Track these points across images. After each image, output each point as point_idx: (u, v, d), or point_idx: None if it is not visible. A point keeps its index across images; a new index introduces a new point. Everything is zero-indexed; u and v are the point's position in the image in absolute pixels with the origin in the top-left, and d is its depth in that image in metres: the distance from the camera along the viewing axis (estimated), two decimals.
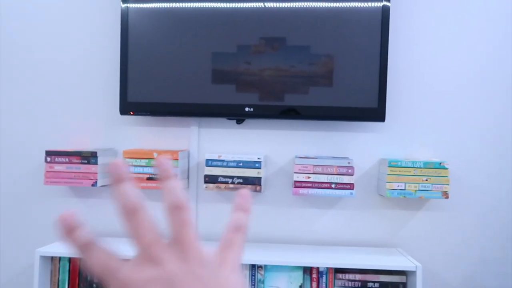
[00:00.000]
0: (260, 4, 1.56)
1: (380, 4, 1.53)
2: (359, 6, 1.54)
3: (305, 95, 1.55)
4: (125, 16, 1.59)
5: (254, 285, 1.45)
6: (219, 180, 1.54)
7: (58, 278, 1.51)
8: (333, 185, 1.51)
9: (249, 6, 1.57)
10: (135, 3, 1.59)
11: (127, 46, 1.60)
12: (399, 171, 1.51)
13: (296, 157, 1.55)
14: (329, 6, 1.55)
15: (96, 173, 1.57)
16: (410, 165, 1.51)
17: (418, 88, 1.63)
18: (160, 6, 1.59)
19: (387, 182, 1.51)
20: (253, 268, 1.46)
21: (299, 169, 1.52)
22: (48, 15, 1.72)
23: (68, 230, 0.26)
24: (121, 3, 1.59)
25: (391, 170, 1.51)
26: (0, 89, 1.74)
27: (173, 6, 1.58)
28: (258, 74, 1.57)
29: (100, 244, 0.26)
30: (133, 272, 0.25)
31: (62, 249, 1.47)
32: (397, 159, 1.56)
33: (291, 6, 1.56)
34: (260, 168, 1.53)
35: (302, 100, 1.56)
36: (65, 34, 1.72)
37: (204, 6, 1.57)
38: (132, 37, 1.60)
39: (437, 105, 1.63)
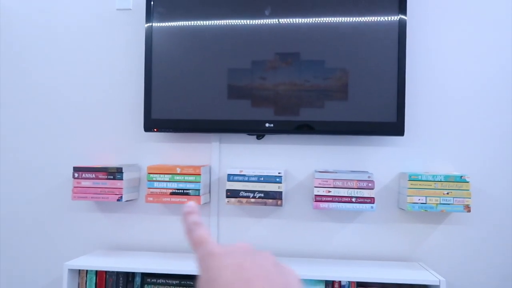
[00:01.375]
0: (274, 21, 1.61)
1: (396, 18, 1.56)
2: (374, 20, 1.57)
3: (321, 109, 1.58)
4: (149, 35, 1.66)
5: None
6: (240, 194, 1.57)
7: None
8: (353, 199, 1.52)
9: (264, 22, 1.61)
10: (157, 22, 1.66)
11: (151, 65, 1.66)
12: (420, 184, 1.51)
13: (316, 171, 1.57)
14: (343, 21, 1.58)
15: (122, 188, 1.62)
16: (430, 178, 1.51)
17: (437, 101, 1.64)
18: (180, 24, 1.65)
19: (407, 195, 1.51)
20: None
21: (319, 183, 1.54)
22: (74, 35, 1.81)
23: (187, 213, 0.37)
24: (145, 22, 1.66)
25: (411, 184, 1.52)
26: (30, 108, 1.82)
27: (192, 24, 1.65)
28: (273, 89, 1.60)
29: (202, 226, 0.36)
30: (218, 246, 0.34)
31: (89, 262, 1.52)
32: (417, 172, 1.56)
33: (305, 21, 1.60)
34: (280, 183, 1.56)
35: (317, 114, 1.58)
36: (92, 54, 1.80)
37: (221, 23, 1.63)
38: (156, 55, 1.66)
39: (457, 117, 1.64)
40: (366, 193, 1.52)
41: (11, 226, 1.82)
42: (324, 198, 1.53)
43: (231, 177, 1.58)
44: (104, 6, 1.80)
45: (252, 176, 1.57)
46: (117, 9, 1.79)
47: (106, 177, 1.63)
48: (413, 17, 1.64)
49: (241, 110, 1.62)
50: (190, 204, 0.38)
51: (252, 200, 1.56)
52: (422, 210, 1.51)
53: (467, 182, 1.50)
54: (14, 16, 1.84)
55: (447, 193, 1.50)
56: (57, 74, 1.81)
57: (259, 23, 1.62)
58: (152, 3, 1.66)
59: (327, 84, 1.58)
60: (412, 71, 1.64)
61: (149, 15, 1.66)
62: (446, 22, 1.64)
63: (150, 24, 1.66)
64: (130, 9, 1.78)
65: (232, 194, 1.57)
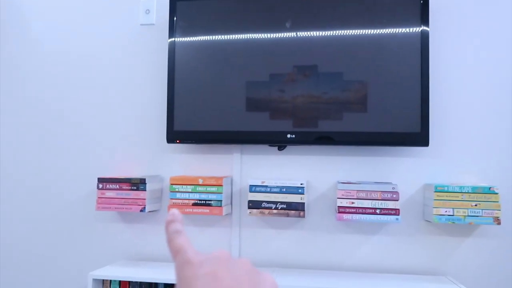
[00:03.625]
0: (292, 34, 1.61)
1: (419, 29, 1.55)
2: (395, 32, 1.56)
3: (339, 121, 1.57)
4: (172, 49, 1.69)
5: None
6: (262, 205, 1.56)
7: None
8: (377, 211, 1.50)
9: (282, 36, 1.62)
10: (180, 37, 1.69)
11: (173, 78, 1.69)
12: (446, 196, 1.48)
13: (339, 182, 1.55)
14: (362, 33, 1.58)
15: (145, 199, 1.64)
16: (457, 190, 1.47)
17: (462, 111, 1.61)
18: (201, 39, 1.68)
19: (434, 207, 1.48)
20: None
21: (342, 195, 1.52)
22: (99, 51, 1.86)
23: (169, 221, 0.37)
24: (168, 37, 1.70)
25: (437, 195, 1.48)
26: (57, 122, 1.87)
27: (212, 38, 1.67)
28: (291, 102, 1.60)
29: (183, 235, 0.36)
30: (196, 254, 0.34)
31: (113, 272, 1.53)
32: (443, 184, 1.53)
33: (323, 34, 1.60)
34: (303, 194, 1.55)
35: (336, 126, 1.57)
36: (116, 68, 1.84)
37: (240, 37, 1.65)
38: (178, 69, 1.69)
39: (483, 127, 1.60)
40: (390, 204, 1.49)
41: (37, 237, 1.85)
42: (347, 210, 1.51)
43: (253, 188, 1.58)
44: (128, 22, 1.84)
45: (274, 187, 1.57)
46: (141, 24, 1.84)
47: (130, 188, 1.65)
48: (436, 28, 1.62)
49: (260, 122, 1.62)
50: (173, 212, 0.37)
51: (275, 211, 1.55)
52: (450, 222, 1.47)
53: (496, 193, 1.46)
54: (40, 33, 1.91)
55: (475, 205, 1.46)
56: (82, 88, 1.86)
57: (277, 36, 1.63)
58: (175, 18, 1.70)
59: (346, 96, 1.57)
60: (436, 81, 1.62)
61: (172, 30, 1.70)
62: (470, 31, 1.62)
63: (173, 38, 1.69)
64: (154, 24, 1.82)
65: (254, 205, 1.57)
